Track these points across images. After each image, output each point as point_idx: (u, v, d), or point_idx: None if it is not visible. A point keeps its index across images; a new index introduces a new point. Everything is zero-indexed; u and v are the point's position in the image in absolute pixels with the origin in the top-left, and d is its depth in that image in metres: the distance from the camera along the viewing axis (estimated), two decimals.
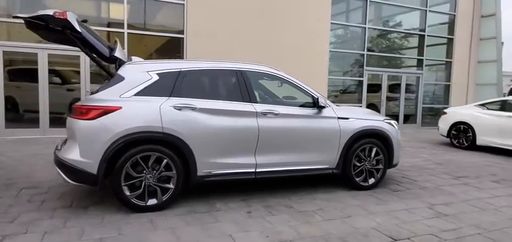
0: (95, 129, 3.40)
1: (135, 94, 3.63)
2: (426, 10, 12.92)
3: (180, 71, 3.87)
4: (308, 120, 4.29)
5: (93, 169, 3.38)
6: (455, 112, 8.91)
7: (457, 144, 8.60)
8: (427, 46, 13.09)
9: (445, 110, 9.31)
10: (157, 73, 3.78)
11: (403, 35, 13.30)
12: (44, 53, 8.28)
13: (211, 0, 9.70)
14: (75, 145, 3.43)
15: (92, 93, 3.80)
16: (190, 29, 9.55)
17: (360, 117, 4.61)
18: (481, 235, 3.30)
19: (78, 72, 8.71)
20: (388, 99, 12.64)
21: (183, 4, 9.53)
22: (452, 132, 8.72)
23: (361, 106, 11.55)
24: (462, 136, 8.49)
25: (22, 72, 8.77)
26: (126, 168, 3.46)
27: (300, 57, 10.52)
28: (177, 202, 3.80)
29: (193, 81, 3.92)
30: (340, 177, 4.55)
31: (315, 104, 4.31)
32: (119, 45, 4.03)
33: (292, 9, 10.61)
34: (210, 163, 3.80)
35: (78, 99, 8.32)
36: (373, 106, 12.07)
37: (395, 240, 3.12)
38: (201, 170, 3.77)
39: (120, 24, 9.10)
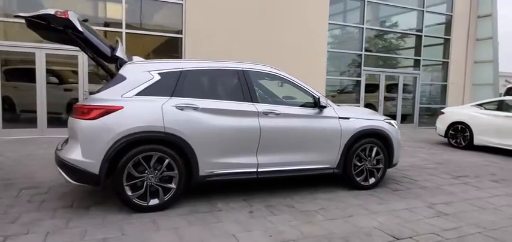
0: (96, 128, 3.39)
1: (137, 94, 3.62)
2: (423, 10, 13.01)
3: (181, 71, 3.86)
4: (309, 119, 4.30)
5: (95, 169, 3.37)
6: (452, 112, 8.97)
7: (454, 144, 8.66)
8: (424, 46, 13.18)
9: (442, 110, 9.37)
10: (158, 73, 3.77)
11: (400, 35, 13.38)
12: (42, 52, 8.23)
13: (210, 0, 9.68)
14: (77, 145, 3.41)
15: (93, 93, 3.78)
16: (189, 29, 9.52)
17: (360, 117, 4.63)
18: (481, 233, 3.33)
19: (76, 72, 8.66)
20: (386, 99, 12.72)
21: (182, 4, 9.49)
22: (450, 131, 8.78)
23: (359, 106, 11.59)
24: (460, 136, 8.55)
25: (19, 72, 8.69)
26: (128, 168, 3.45)
27: (298, 57, 10.53)
28: (179, 202, 3.80)
29: (195, 80, 3.91)
30: (341, 176, 4.56)
31: (316, 104, 4.32)
32: (120, 44, 4.02)
33: (291, 9, 10.62)
34: (212, 163, 3.80)
35: (76, 99, 8.29)
36: (370, 106, 12.11)
37: (397, 239, 3.14)
38: (203, 170, 3.76)
39: (118, 24, 9.05)
